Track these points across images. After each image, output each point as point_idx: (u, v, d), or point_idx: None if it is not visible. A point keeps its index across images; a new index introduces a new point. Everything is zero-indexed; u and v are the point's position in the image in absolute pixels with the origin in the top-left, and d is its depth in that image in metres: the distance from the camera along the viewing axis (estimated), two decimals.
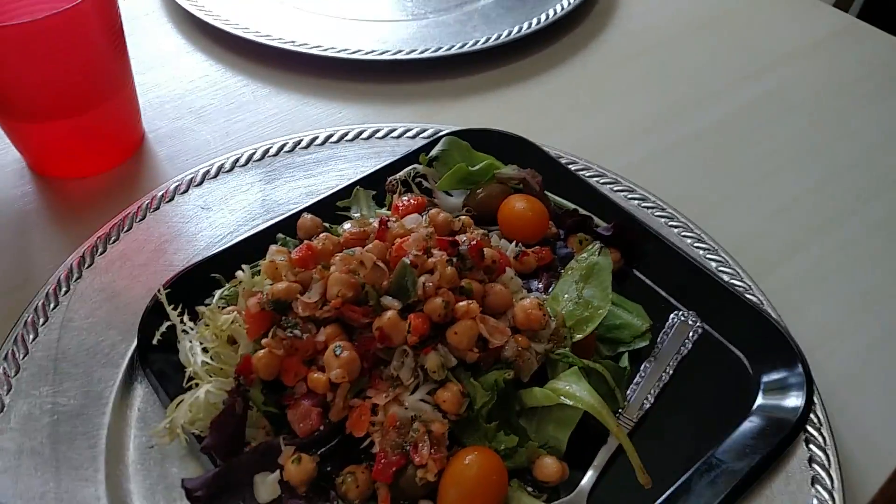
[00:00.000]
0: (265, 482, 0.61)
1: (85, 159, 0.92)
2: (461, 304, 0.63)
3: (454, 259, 0.66)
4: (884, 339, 0.79)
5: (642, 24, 1.21)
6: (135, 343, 0.73)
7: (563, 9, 1.15)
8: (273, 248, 0.70)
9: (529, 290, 0.70)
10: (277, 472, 0.61)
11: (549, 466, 0.62)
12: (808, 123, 1.04)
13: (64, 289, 0.79)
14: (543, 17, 1.13)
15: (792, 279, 0.83)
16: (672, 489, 0.63)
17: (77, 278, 0.80)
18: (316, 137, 0.94)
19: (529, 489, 0.62)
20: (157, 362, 0.70)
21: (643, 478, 0.61)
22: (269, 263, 0.69)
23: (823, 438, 0.66)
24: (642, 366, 0.70)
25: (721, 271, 0.78)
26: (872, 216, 0.91)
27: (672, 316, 0.74)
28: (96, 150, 0.92)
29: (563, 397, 0.61)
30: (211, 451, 0.62)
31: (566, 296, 0.69)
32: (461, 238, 0.67)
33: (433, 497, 0.60)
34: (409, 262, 0.64)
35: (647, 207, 0.84)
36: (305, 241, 0.69)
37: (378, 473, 0.60)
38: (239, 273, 0.72)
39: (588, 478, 0.63)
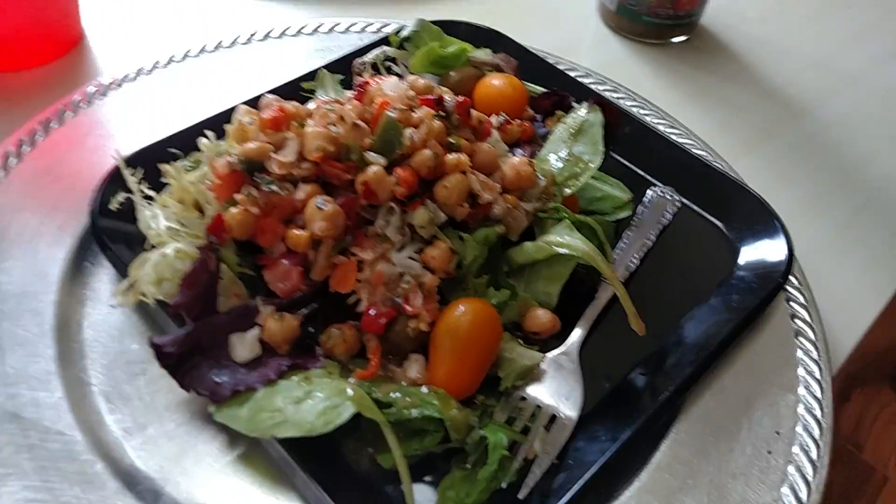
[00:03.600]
0: (243, 340, 0.56)
1: (18, 50, 0.84)
2: (451, 156, 0.61)
3: (441, 115, 0.63)
4: (855, 214, 0.82)
5: None
6: (87, 220, 0.67)
7: None
8: (241, 107, 0.65)
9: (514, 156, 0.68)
10: (257, 329, 0.57)
11: (541, 317, 0.60)
12: None
13: (1, 173, 0.72)
14: None
15: (762, 164, 0.85)
16: (664, 340, 0.62)
17: (17, 162, 0.73)
18: (272, 30, 0.89)
19: (521, 342, 0.60)
20: (114, 235, 0.64)
21: (637, 324, 0.59)
22: (238, 126, 0.64)
23: (804, 296, 0.67)
24: (623, 233, 0.70)
25: (696, 154, 0.78)
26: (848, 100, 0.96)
27: (649, 191, 0.74)
28: (31, 41, 0.84)
29: (556, 248, 0.60)
30: (181, 311, 0.57)
31: (555, 155, 0.67)
32: (446, 96, 0.65)
33: (424, 351, 0.58)
34: (394, 116, 0.61)
35: (619, 98, 0.84)
36: (278, 104, 0.65)
37: (368, 324, 0.57)
38: (202, 140, 0.67)
39: (578, 331, 0.62)
